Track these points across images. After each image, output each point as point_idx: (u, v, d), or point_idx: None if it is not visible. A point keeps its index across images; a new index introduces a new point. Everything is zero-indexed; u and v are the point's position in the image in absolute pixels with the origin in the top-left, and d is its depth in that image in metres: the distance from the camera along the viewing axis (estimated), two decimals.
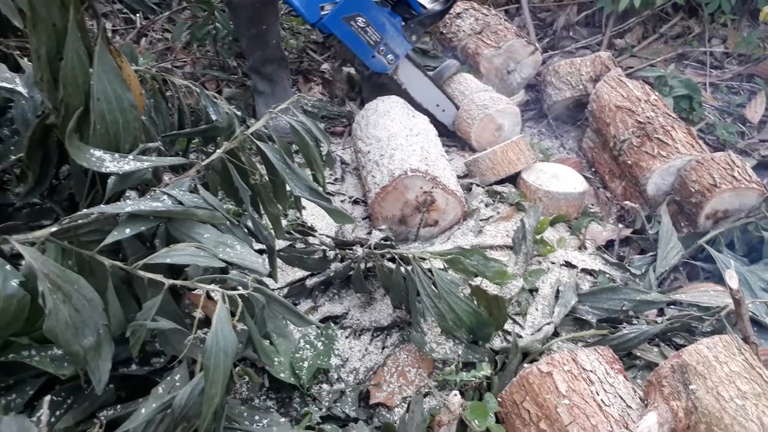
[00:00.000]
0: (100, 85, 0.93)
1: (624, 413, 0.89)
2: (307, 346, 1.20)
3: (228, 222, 0.96)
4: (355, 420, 1.09)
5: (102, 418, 0.89)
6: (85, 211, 0.87)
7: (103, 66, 0.94)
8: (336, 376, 1.18)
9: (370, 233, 1.57)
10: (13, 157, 1.15)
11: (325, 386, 1.15)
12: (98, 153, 0.94)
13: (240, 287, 0.83)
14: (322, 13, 1.61)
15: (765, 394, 0.84)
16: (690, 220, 1.58)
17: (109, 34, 2.16)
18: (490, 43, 2.09)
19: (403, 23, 1.74)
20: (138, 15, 2.26)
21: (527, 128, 2.15)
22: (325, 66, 2.22)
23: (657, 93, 1.86)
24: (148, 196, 0.94)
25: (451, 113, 1.97)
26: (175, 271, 0.93)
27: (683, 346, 1.21)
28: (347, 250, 1.37)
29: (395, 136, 1.65)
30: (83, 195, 1.06)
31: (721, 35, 2.59)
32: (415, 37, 1.78)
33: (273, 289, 1.28)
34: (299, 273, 1.40)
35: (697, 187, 1.53)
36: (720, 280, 1.39)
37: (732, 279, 0.95)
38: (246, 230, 1.05)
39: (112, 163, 0.94)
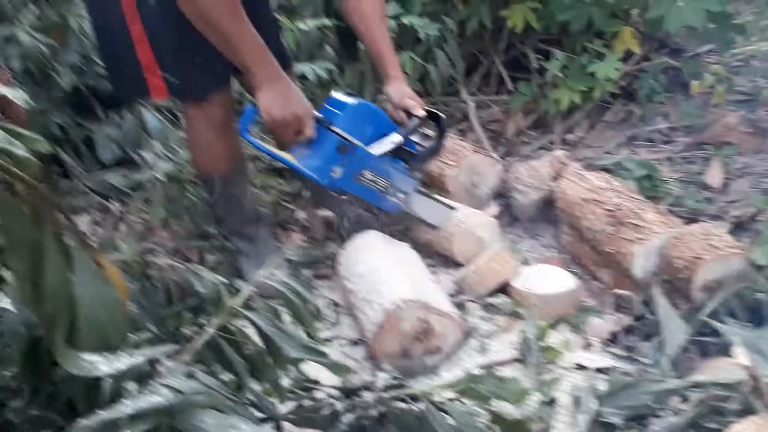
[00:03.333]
0: (83, 290, 0.94)
1: None
2: None
3: (229, 401, 0.93)
4: None
5: None
6: (84, 423, 0.84)
7: (84, 271, 0.95)
8: None
9: (374, 374, 1.53)
10: (8, 374, 1.13)
11: None
12: (89, 357, 0.93)
13: None
14: (334, 176, 1.72)
15: None
16: (685, 296, 1.58)
17: (89, 226, 2.21)
18: (451, 164, 2.19)
19: (405, 165, 1.86)
20: (114, 203, 2.33)
21: (505, 234, 2.19)
22: (301, 214, 2.28)
23: (617, 179, 1.94)
24: (146, 391, 0.92)
25: None
26: None
27: (717, 430, 1.17)
28: (356, 398, 1.33)
29: (379, 270, 1.67)
30: (81, 399, 1.03)
31: (661, 112, 2.75)
32: (418, 173, 1.91)
33: None
34: None
35: (682, 263, 1.55)
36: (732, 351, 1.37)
37: (742, 356, 0.94)
38: (248, 401, 1.02)
39: (104, 365, 0.92)
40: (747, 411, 1.14)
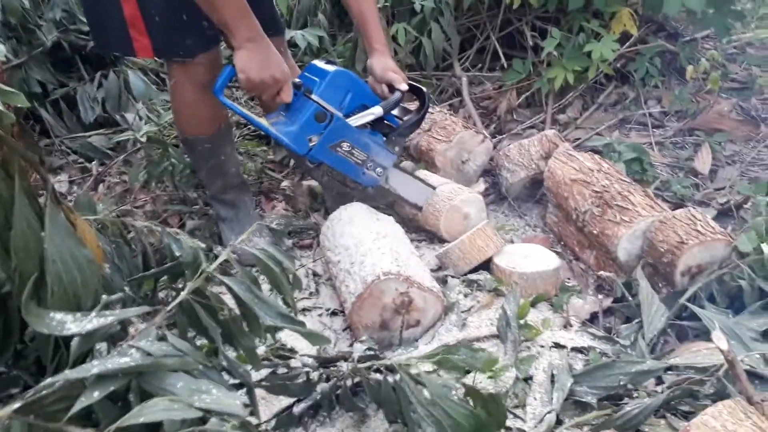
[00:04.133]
0: (54, 247, 0.91)
1: None
2: None
3: (201, 366, 0.92)
4: None
5: None
6: (48, 380, 0.82)
7: (55, 228, 0.92)
8: None
9: (352, 345, 1.52)
10: None
11: None
12: (59, 316, 0.91)
13: None
14: (310, 144, 1.68)
15: None
16: (667, 280, 1.58)
17: (66, 187, 2.17)
18: (441, 138, 2.16)
19: (384, 138, 1.82)
20: (93, 162, 2.28)
21: (491, 212, 2.18)
22: (285, 183, 2.25)
23: (607, 161, 1.92)
24: (115, 352, 0.90)
25: None
26: (152, 427, 0.88)
27: (690, 412, 1.18)
28: (331, 368, 1.33)
29: (363, 242, 1.65)
30: (49, 358, 1.01)
31: (655, 96, 2.74)
32: (397, 148, 1.87)
33: (259, 425, 1.21)
34: (285, 401, 1.34)
35: (666, 247, 1.55)
36: (710, 336, 1.37)
37: (720, 340, 0.94)
38: (221, 367, 1.01)
39: (74, 324, 0.90)
40: (720, 395, 1.15)
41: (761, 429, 0.84)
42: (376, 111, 1.76)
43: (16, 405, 0.79)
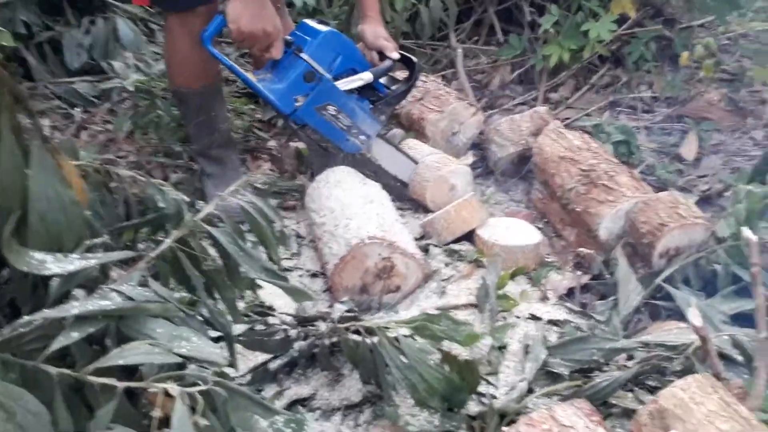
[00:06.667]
0: (38, 185, 0.90)
1: None
2: None
3: (182, 313, 0.92)
4: None
5: None
6: (26, 318, 0.82)
7: (41, 166, 0.91)
8: None
9: (331, 306, 1.53)
10: None
11: None
12: (39, 255, 0.90)
13: (199, 382, 0.79)
14: (296, 105, 1.67)
15: (744, 431, 0.83)
16: (645, 261, 1.61)
17: (48, 131, 2.13)
18: (433, 108, 2.16)
19: (371, 106, 1.81)
20: (77, 109, 2.24)
21: (477, 185, 2.19)
22: (272, 143, 2.24)
23: (596, 141, 1.93)
24: (96, 295, 0.89)
25: None
26: (129, 371, 0.88)
27: (657, 388, 1.21)
28: (309, 327, 1.34)
29: (349, 206, 1.65)
30: (26, 300, 1.00)
31: (647, 81, 2.74)
32: (383, 117, 1.85)
33: (234, 378, 1.22)
34: (261, 357, 1.35)
35: (647, 228, 1.57)
36: (682, 317, 1.41)
37: (695, 317, 0.96)
38: (201, 319, 1.01)
39: (54, 265, 0.89)
40: (687, 373, 1.18)
41: (727, 403, 0.87)
42: (366, 77, 1.75)
43: None
